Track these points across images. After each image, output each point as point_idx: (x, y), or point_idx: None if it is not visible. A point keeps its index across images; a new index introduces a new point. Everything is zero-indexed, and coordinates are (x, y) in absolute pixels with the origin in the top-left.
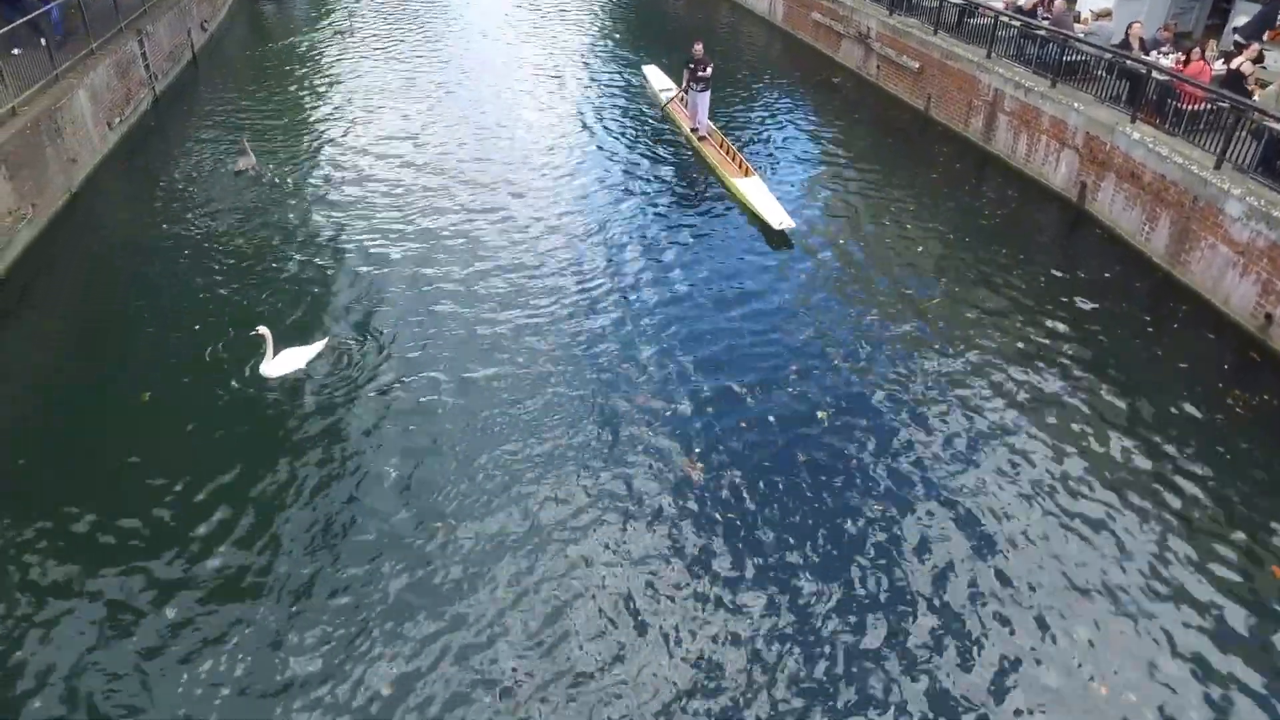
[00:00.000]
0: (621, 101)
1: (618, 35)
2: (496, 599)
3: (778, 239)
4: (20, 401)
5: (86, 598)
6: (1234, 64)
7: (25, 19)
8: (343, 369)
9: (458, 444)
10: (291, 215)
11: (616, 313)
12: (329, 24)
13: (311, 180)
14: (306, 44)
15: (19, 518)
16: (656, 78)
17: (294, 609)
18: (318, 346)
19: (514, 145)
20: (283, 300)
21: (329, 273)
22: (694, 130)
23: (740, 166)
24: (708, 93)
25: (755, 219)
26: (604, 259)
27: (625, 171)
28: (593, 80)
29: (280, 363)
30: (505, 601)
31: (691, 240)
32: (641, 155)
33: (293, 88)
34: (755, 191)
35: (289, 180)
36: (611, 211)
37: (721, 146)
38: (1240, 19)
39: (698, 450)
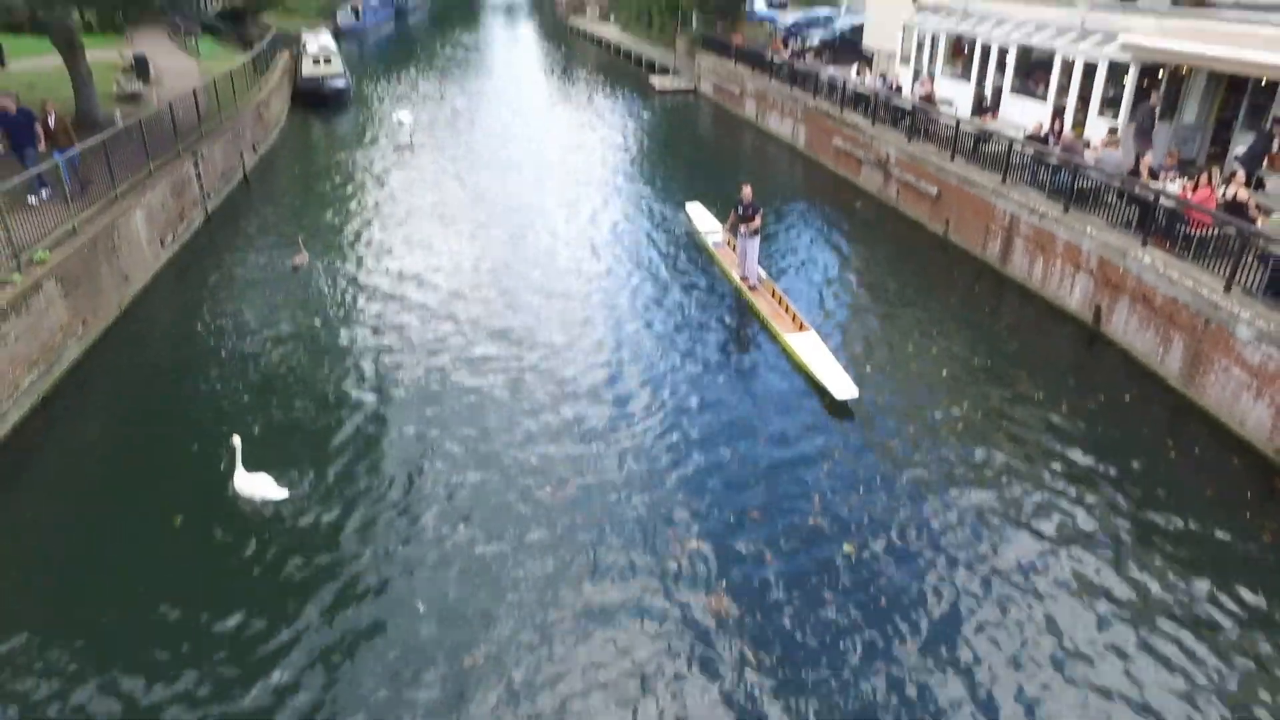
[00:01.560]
0: (663, 241)
1: (655, 164)
2: None
3: (836, 407)
4: (58, 522)
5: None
6: (1229, 192)
7: (31, 173)
8: (338, 507)
9: (478, 585)
10: (332, 330)
11: (655, 464)
12: (375, 143)
13: (356, 287)
14: (352, 162)
15: (52, 638)
16: (700, 216)
17: None
18: (281, 493)
19: (553, 279)
20: (306, 424)
21: (356, 397)
22: (743, 279)
23: (794, 321)
24: (757, 239)
25: (811, 381)
26: (644, 408)
27: (668, 317)
28: (634, 216)
29: (250, 482)
30: None
31: (739, 397)
32: (686, 301)
33: (340, 203)
34: (812, 352)
35: (337, 286)
36: (654, 360)
37: (773, 297)
38: (1239, 147)
39: (723, 583)
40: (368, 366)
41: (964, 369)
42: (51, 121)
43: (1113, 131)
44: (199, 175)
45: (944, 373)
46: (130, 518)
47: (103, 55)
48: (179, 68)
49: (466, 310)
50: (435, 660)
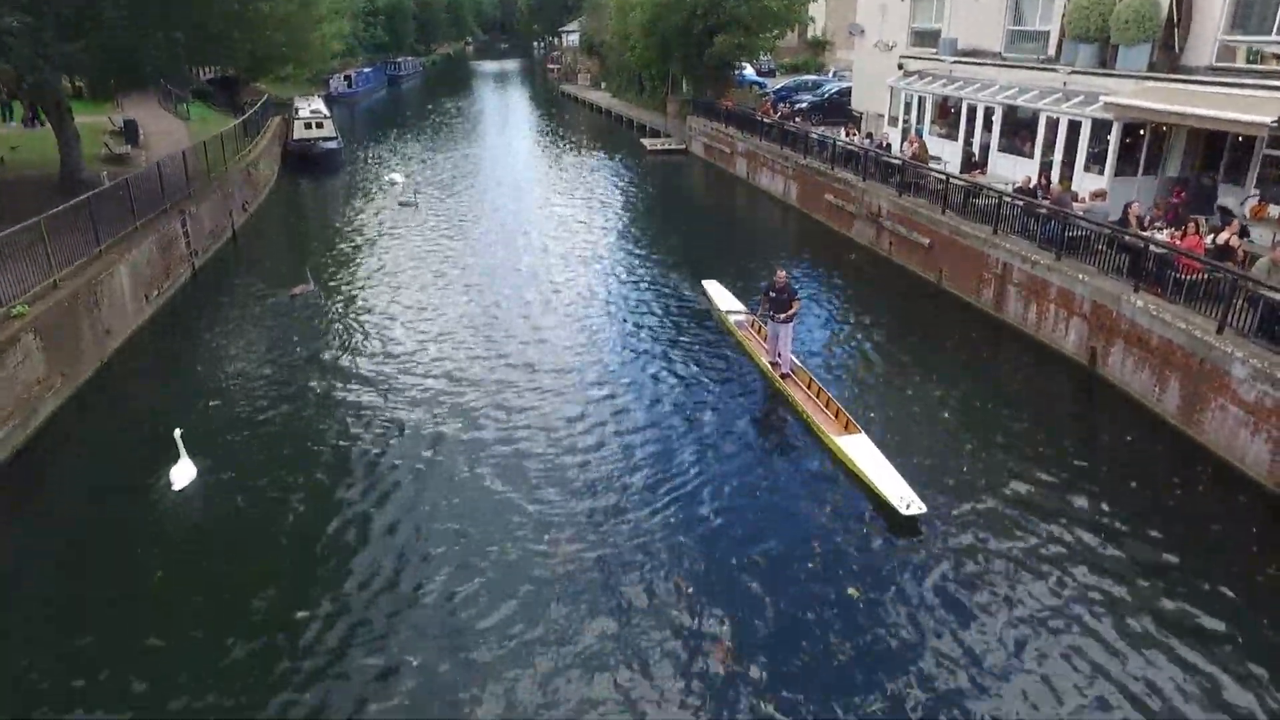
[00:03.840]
0: (678, 320)
1: (652, 223)
2: None
3: (896, 520)
4: (35, 576)
5: None
6: (1221, 238)
7: None
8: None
9: (471, 636)
10: (316, 375)
11: (678, 545)
12: (366, 202)
13: (344, 335)
14: (342, 220)
15: (29, 691)
16: (720, 295)
17: None
18: (187, 478)
19: (556, 340)
20: (286, 465)
21: (340, 438)
22: (773, 364)
23: (838, 419)
24: (790, 325)
25: (862, 485)
26: (665, 487)
27: (690, 405)
28: (634, 277)
29: (184, 470)
30: None
31: (776, 495)
32: (708, 388)
33: (328, 260)
34: (865, 457)
35: (325, 332)
36: (673, 453)
37: (810, 389)
38: (1227, 199)
39: (726, 629)
40: (352, 412)
41: (966, 414)
42: None
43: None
44: (186, 233)
45: (945, 415)
46: (109, 572)
47: (93, 120)
48: (168, 131)
49: (463, 371)
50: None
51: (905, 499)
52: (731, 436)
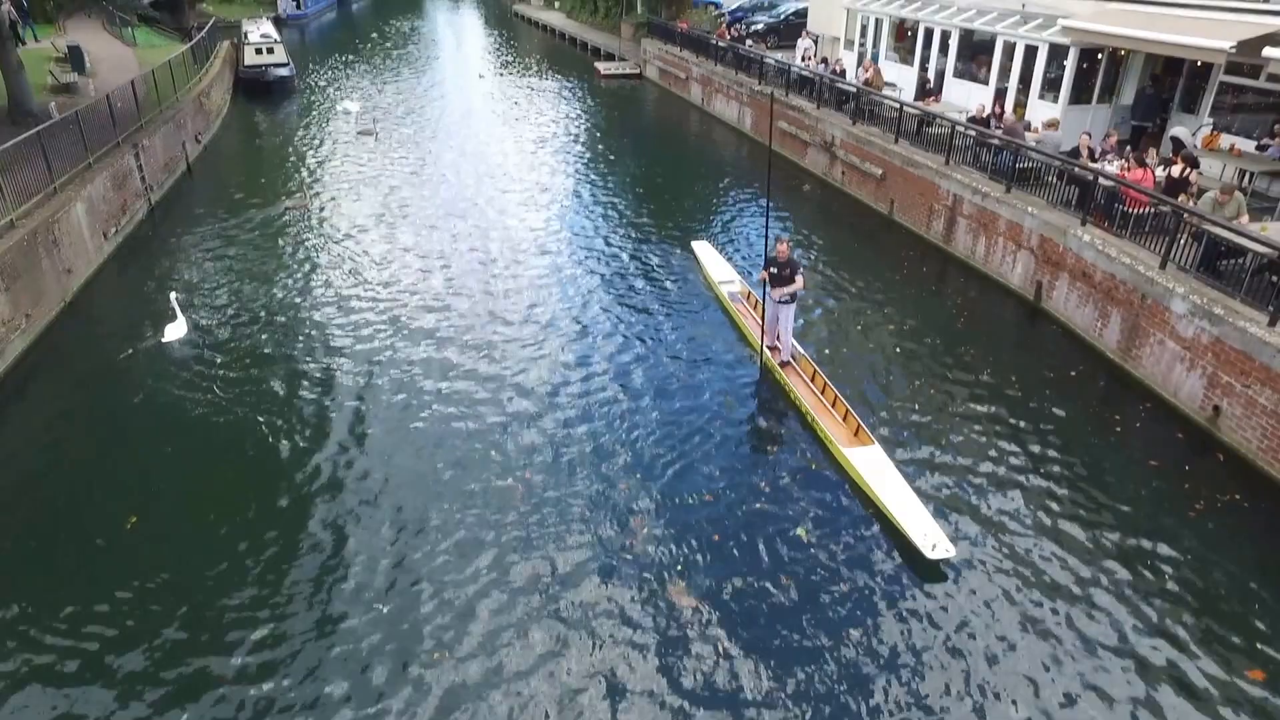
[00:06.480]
0: (662, 282)
1: (607, 153)
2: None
3: (921, 564)
4: (3, 518)
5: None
6: (1175, 171)
7: None
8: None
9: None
10: (285, 305)
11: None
12: (321, 131)
13: (305, 270)
14: (298, 151)
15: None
16: (711, 260)
17: None
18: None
19: (520, 315)
20: (272, 416)
21: (313, 371)
22: (772, 349)
23: (847, 423)
24: (793, 305)
25: (878, 511)
26: (628, 497)
27: (673, 382)
28: (631, 252)
29: (177, 328)
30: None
31: (771, 509)
32: (697, 368)
33: (287, 192)
34: (880, 479)
35: (289, 264)
36: (654, 437)
37: (814, 383)
38: (1178, 128)
39: (679, 568)
40: (321, 345)
41: (910, 341)
42: None
43: (1053, 123)
44: (140, 167)
45: (896, 349)
46: (82, 514)
47: (35, 46)
48: (116, 57)
49: (422, 324)
50: (380, 654)
51: (930, 538)
52: (723, 434)
